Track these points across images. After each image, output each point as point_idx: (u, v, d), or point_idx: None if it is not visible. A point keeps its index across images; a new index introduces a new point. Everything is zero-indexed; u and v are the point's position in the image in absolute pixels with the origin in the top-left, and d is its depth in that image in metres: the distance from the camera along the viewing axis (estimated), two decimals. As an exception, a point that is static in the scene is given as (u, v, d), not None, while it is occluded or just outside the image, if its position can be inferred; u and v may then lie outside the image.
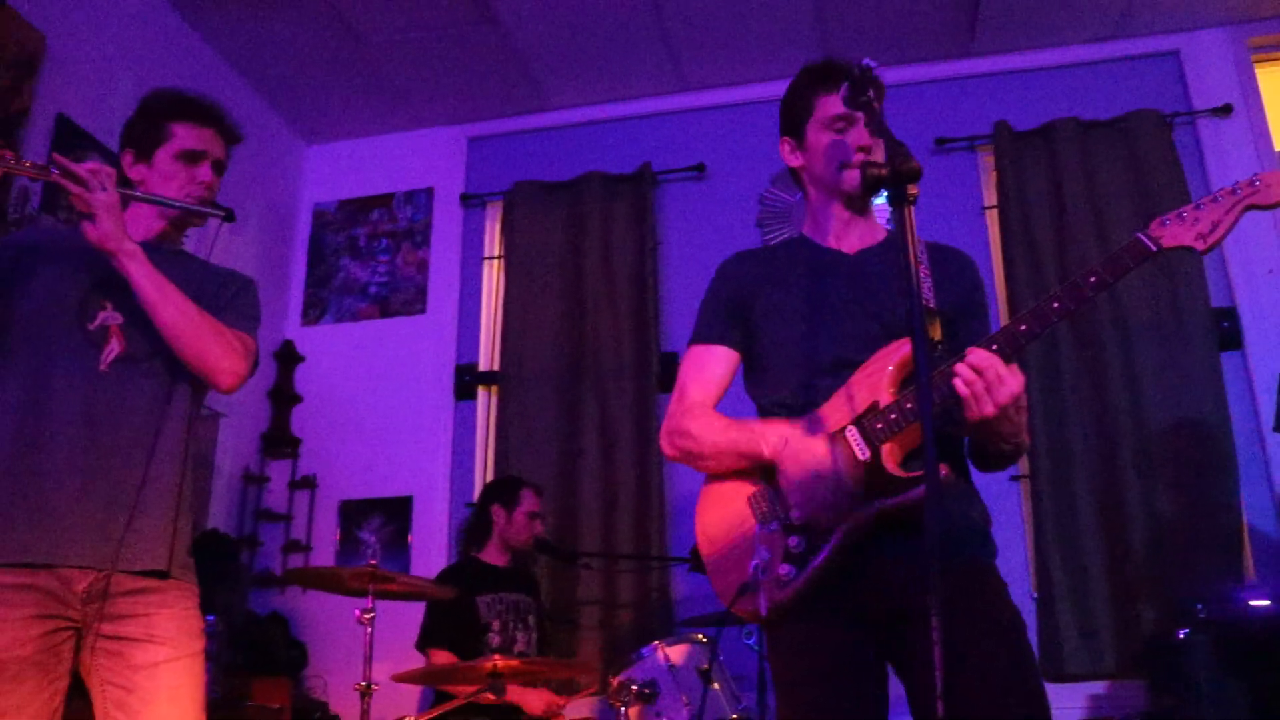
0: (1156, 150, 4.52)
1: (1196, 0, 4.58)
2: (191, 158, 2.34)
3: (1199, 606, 3.40)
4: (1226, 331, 4.34)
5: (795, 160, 2.18)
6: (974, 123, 4.83)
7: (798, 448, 1.90)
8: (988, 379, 1.74)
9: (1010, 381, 1.75)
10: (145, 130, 2.36)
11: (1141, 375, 4.28)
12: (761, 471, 1.98)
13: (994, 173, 4.77)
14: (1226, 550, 3.98)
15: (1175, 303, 4.33)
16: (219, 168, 2.39)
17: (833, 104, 2.05)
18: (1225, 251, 4.42)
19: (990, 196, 4.81)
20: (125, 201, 2.30)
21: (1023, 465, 4.37)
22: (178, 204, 2.32)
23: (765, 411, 2.09)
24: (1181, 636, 3.33)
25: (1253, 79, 4.66)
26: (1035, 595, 4.15)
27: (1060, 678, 3.93)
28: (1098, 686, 4.01)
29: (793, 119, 2.17)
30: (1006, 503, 4.31)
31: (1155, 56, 4.79)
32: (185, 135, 2.34)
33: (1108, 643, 4.00)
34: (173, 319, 2.17)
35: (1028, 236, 4.58)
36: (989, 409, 1.75)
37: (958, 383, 1.76)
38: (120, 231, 2.14)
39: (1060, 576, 4.10)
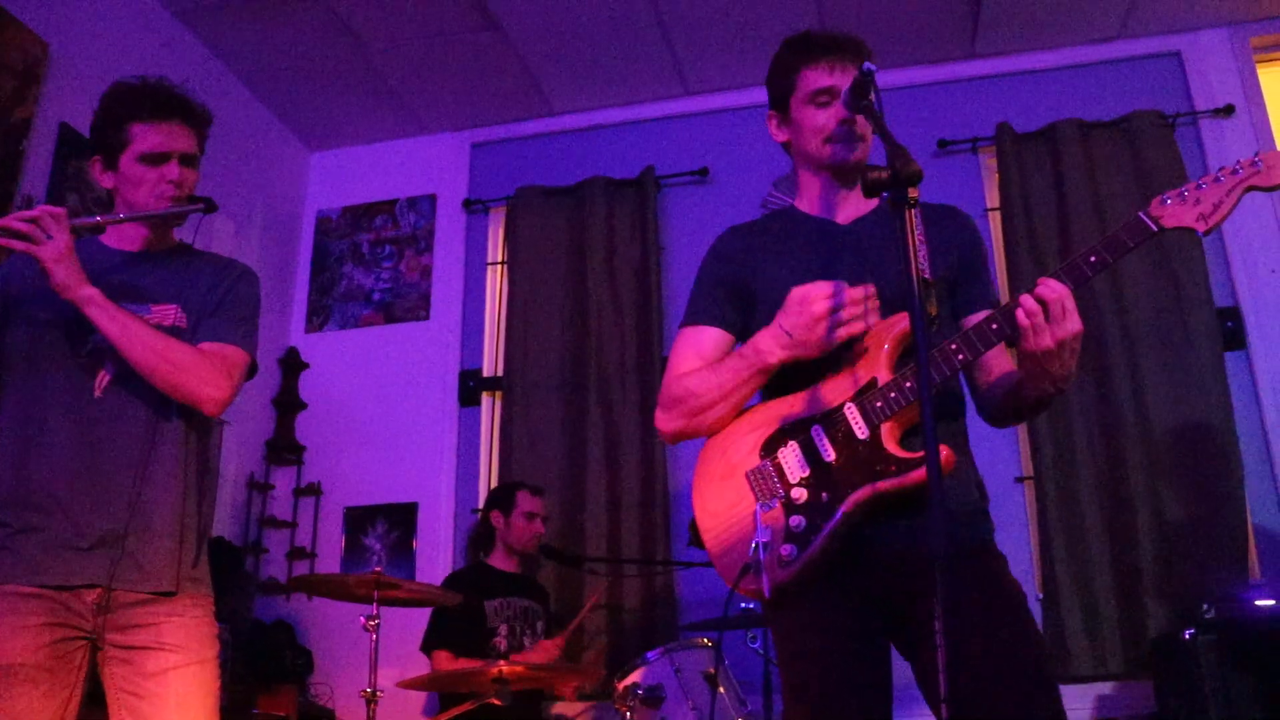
0: (1159, 151, 4.52)
1: (1198, 1, 4.58)
2: (155, 159, 2.26)
3: (1205, 606, 3.39)
4: (1230, 331, 4.33)
5: (781, 135, 2.17)
6: (976, 124, 4.83)
7: (791, 312, 1.89)
8: (1053, 311, 1.75)
9: (1075, 317, 1.75)
10: (107, 135, 2.28)
11: (1146, 375, 4.27)
12: (761, 447, 1.97)
13: (996, 174, 4.76)
14: (1232, 550, 3.97)
15: (1179, 303, 4.32)
16: (189, 160, 2.30)
17: (814, 77, 2.05)
18: (1228, 251, 4.43)
19: (993, 198, 4.80)
20: (101, 227, 2.29)
21: (1027, 466, 4.37)
22: (149, 215, 2.28)
23: (765, 389, 2.07)
24: (1187, 637, 3.32)
25: (1255, 79, 4.66)
26: (1040, 596, 4.14)
27: (1067, 679, 3.91)
28: (1104, 687, 4.00)
29: (777, 94, 2.16)
30: (1011, 503, 4.30)
31: (1157, 57, 4.79)
32: (144, 136, 2.25)
33: (1114, 644, 3.99)
34: (141, 357, 2.14)
35: (1031, 238, 4.58)
36: (1047, 341, 1.75)
37: (1019, 313, 1.76)
38: (75, 279, 2.10)
39: (1065, 577, 4.10)
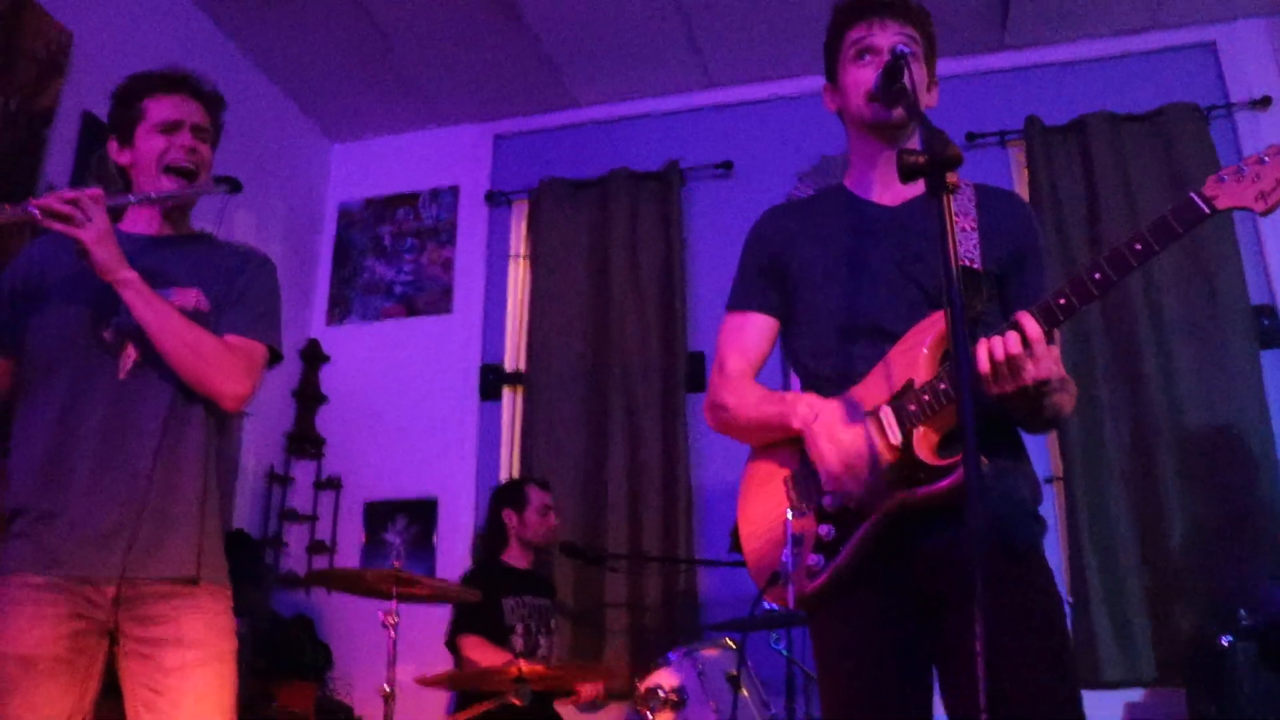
0: (1192, 144, 4.43)
1: (1234, -9, 4.49)
2: (168, 129, 2.31)
3: (1242, 613, 3.32)
4: (1267, 329, 4.23)
5: (833, 104, 2.09)
6: (1005, 117, 4.75)
7: (829, 423, 1.81)
8: (1016, 362, 1.65)
9: (1045, 362, 1.65)
10: (122, 114, 2.34)
11: (1179, 375, 4.19)
12: (801, 453, 1.91)
13: (1025, 168, 4.69)
14: (1268, 554, 3.88)
15: (1213, 300, 4.24)
16: (200, 133, 2.35)
17: (855, 35, 1.99)
18: (1264, 246, 4.34)
19: (1021, 192, 4.71)
20: (122, 211, 2.29)
21: (1056, 467, 4.30)
22: (177, 193, 2.30)
23: (804, 379, 2.02)
24: (1225, 643, 3.25)
25: (1292, 71, 4.56)
26: (1070, 600, 4.06)
27: (1097, 684, 3.84)
28: (1135, 694, 3.93)
29: (829, 63, 2.09)
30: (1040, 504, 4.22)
31: (1191, 48, 4.69)
32: (157, 108, 2.32)
33: (1145, 649, 3.91)
34: (173, 347, 2.15)
35: (1060, 232, 4.50)
36: (1008, 387, 1.68)
37: (981, 356, 1.67)
38: (115, 261, 2.11)
39: (1096, 580, 4.02)
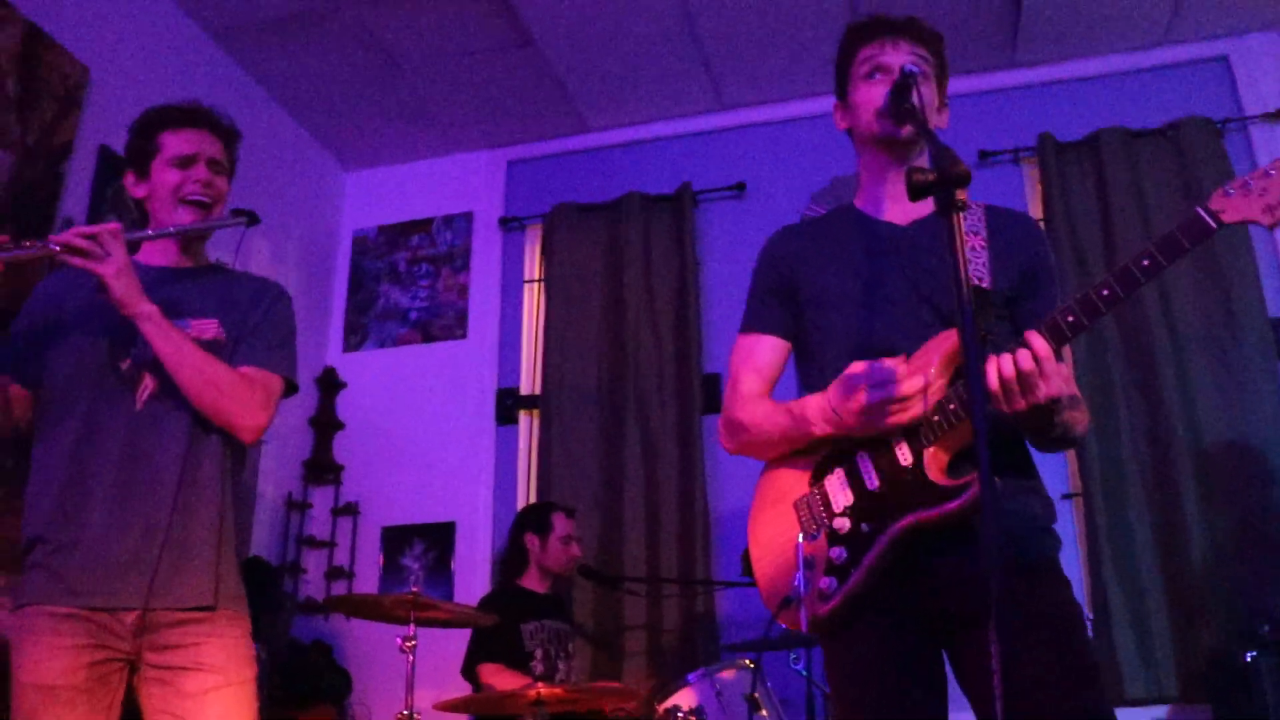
0: (1208, 158, 4.41)
1: (1245, 3, 4.47)
2: (184, 162, 2.34)
3: (1265, 628, 3.28)
4: (1284, 341, 4.20)
5: (844, 123, 2.10)
6: (1018, 135, 4.74)
7: (844, 393, 1.81)
8: (1027, 380, 1.64)
9: (1054, 380, 1.64)
10: (139, 148, 2.38)
11: (1196, 388, 4.16)
12: (810, 474, 1.91)
13: (1039, 186, 4.68)
14: (1290, 568, 3.85)
15: (1230, 312, 4.20)
16: (216, 166, 2.38)
17: (867, 53, 2.00)
18: (1282, 258, 4.31)
19: (1036, 210, 4.71)
20: (139, 244, 2.32)
21: (1075, 483, 4.27)
22: (195, 227, 2.33)
23: None
24: (1249, 658, 3.21)
25: (1306, 83, 4.54)
26: (1091, 617, 4.02)
27: (1121, 702, 3.80)
28: (1160, 711, 3.89)
29: (839, 81, 2.10)
30: (1058, 521, 4.18)
31: (1204, 62, 4.68)
32: (173, 142, 2.35)
33: (1169, 666, 3.87)
34: (190, 379, 2.17)
35: (1076, 250, 4.48)
36: (1020, 404, 1.67)
37: (990, 374, 1.65)
38: (134, 294, 2.14)
39: (1117, 597, 3.98)
